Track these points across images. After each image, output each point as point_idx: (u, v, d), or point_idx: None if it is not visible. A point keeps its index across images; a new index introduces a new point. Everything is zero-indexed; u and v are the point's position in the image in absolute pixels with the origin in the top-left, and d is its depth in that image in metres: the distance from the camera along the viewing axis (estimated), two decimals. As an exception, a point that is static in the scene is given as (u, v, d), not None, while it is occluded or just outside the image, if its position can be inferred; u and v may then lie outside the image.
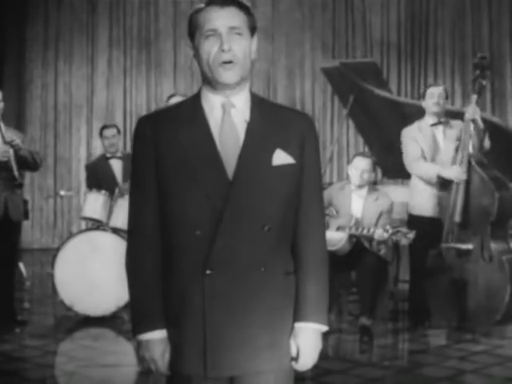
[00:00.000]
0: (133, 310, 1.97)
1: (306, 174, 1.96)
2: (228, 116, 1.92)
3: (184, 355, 1.92)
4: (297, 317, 1.96)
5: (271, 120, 1.94)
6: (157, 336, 1.93)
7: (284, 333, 1.95)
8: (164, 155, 1.92)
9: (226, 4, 1.88)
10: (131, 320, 1.98)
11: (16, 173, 5.27)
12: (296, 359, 1.97)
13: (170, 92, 10.66)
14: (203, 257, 1.87)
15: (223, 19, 1.87)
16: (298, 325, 1.96)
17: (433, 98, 5.40)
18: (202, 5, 1.91)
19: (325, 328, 1.99)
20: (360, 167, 5.27)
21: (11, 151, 5.25)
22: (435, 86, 5.64)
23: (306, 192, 1.97)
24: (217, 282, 1.87)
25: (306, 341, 1.96)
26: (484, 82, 5.33)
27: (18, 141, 5.31)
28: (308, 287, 1.96)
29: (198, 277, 1.87)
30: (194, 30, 1.93)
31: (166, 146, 1.92)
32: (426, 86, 5.74)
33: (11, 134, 5.36)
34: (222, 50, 1.86)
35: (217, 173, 1.88)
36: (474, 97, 5.29)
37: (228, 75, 1.88)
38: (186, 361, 1.91)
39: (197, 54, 1.93)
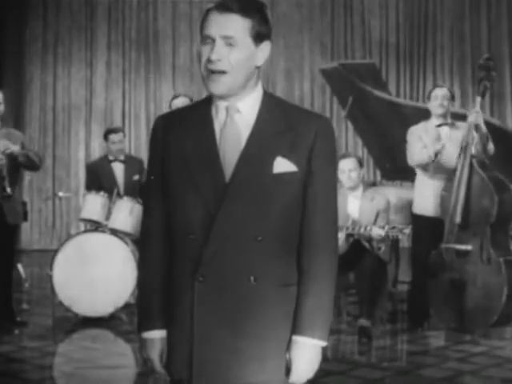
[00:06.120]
0: (137, 309, 2.01)
1: (312, 181, 1.85)
2: (230, 120, 1.86)
3: (174, 359, 1.91)
4: (293, 329, 1.88)
5: (280, 124, 1.85)
6: (154, 335, 1.94)
7: (279, 346, 1.87)
8: (169, 156, 1.90)
9: (225, 10, 1.79)
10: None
11: (7, 184, 5.22)
12: (289, 372, 1.89)
13: (169, 94, 10.68)
14: (196, 263, 1.84)
15: (218, 27, 1.79)
16: (293, 338, 1.88)
17: (436, 99, 5.38)
18: (211, 5, 1.85)
19: (322, 343, 1.89)
20: (346, 168, 5.26)
21: (4, 160, 5.21)
22: (439, 87, 5.59)
23: (310, 201, 1.86)
24: (207, 290, 1.83)
25: (299, 354, 1.87)
26: (489, 84, 5.31)
27: (12, 148, 5.26)
28: (304, 300, 1.86)
29: (191, 283, 1.85)
30: (200, 32, 1.86)
31: (173, 147, 1.89)
32: (432, 88, 5.71)
33: (7, 142, 5.29)
34: (210, 60, 1.80)
35: (214, 175, 1.83)
36: (478, 99, 5.27)
37: (214, 86, 1.82)
38: (176, 365, 1.91)
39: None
